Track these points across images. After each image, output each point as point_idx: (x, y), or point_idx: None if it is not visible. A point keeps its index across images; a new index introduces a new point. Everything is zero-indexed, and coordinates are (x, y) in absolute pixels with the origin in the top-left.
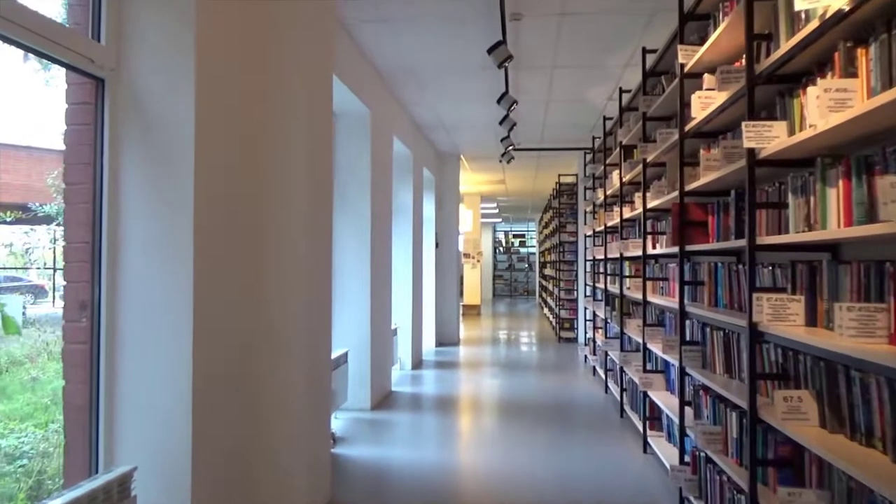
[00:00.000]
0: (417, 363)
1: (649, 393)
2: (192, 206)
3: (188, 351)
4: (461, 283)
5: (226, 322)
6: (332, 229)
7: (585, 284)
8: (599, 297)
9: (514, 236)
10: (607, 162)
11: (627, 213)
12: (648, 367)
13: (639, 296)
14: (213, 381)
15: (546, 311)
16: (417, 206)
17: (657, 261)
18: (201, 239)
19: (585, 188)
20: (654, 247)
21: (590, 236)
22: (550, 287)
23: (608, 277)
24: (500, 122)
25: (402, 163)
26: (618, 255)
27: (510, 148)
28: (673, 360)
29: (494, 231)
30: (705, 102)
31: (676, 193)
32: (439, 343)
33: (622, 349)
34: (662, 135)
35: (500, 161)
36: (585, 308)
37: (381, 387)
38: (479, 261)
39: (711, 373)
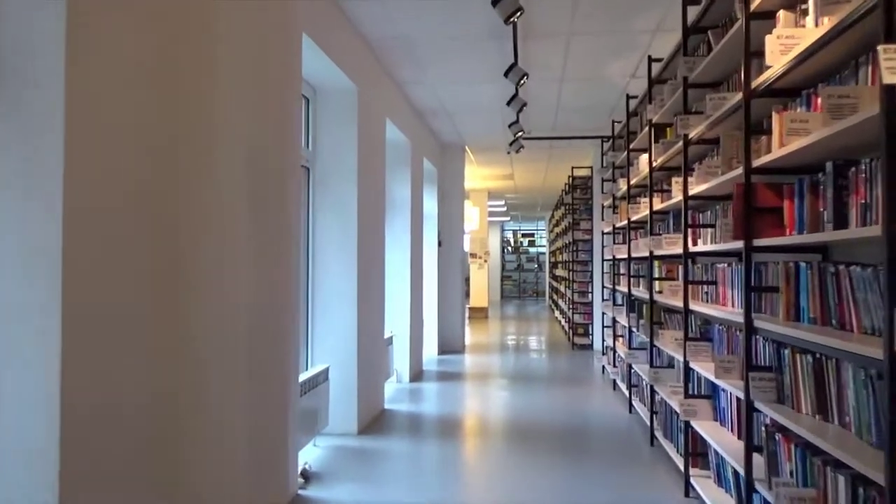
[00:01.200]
0: (417, 375)
1: (693, 423)
2: (62, 179)
3: (55, 393)
4: (467, 285)
5: (120, 346)
6: (299, 221)
7: (603, 287)
8: (620, 301)
9: (523, 235)
10: (632, 146)
11: (658, 205)
12: (690, 389)
13: (674, 302)
14: (98, 419)
15: (557, 313)
16: (417, 201)
17: (695, 260)
18: (77, 225)
19: (603, 180)
20: (695, 243)
21: (608, 233)
22: (562, 289)
23: (632, 279)
24: (509, 103)
25: (398, 152)
26: (646, 254)
27: (519, 134)
28: (728, 387)
29: (502, 230)
30: (787, 44)
31: (740, 171)
32: (442, 351)
33: (651, 364)
34: (714, 101)
35: (509, 152)
36: (603, 313)
37: (371, 405)
38: (486, 261)
39: (795, 411)
